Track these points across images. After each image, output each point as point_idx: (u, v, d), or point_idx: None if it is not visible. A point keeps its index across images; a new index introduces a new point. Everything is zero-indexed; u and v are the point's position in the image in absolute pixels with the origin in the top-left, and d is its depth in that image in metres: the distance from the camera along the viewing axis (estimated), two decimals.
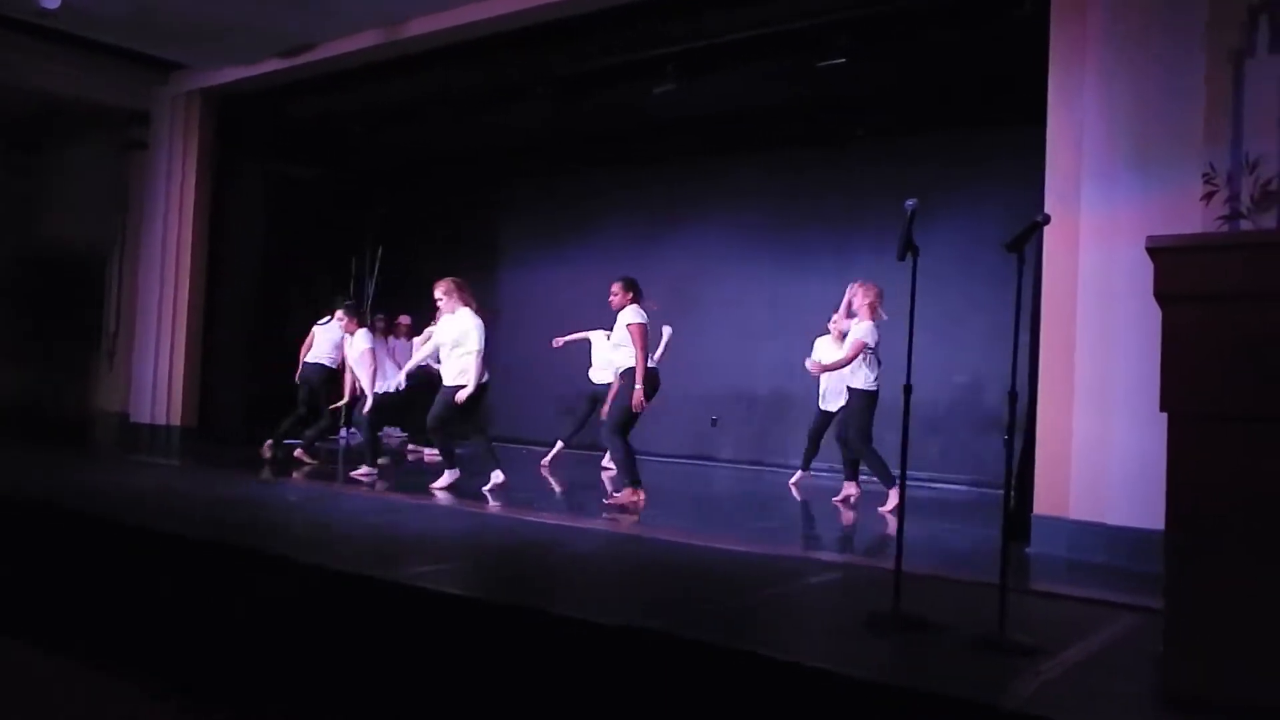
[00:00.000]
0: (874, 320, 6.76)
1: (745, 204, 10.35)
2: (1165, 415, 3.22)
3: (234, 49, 9.37)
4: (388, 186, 12.44)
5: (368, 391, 8.03)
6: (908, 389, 3.67)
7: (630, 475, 6.43)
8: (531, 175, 11.81)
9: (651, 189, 10.94)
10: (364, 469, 7.80)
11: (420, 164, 12.13)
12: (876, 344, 6.75)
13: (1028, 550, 5.22)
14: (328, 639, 4.06)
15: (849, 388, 6.84)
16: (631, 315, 6.57)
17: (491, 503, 6.64)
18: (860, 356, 6.68)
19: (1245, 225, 4.41)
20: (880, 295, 6.82)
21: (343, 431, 10.13)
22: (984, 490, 8.30)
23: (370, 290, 11.92)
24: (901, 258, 3.60)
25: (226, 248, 10.43)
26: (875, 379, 6.77)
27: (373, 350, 8.17)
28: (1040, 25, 5.76)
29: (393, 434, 9.94)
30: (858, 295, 6.84)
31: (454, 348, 6.95)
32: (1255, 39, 4.80)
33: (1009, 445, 3.85)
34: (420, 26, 8.50)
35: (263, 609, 4.41)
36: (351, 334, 8.32)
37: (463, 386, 6.82)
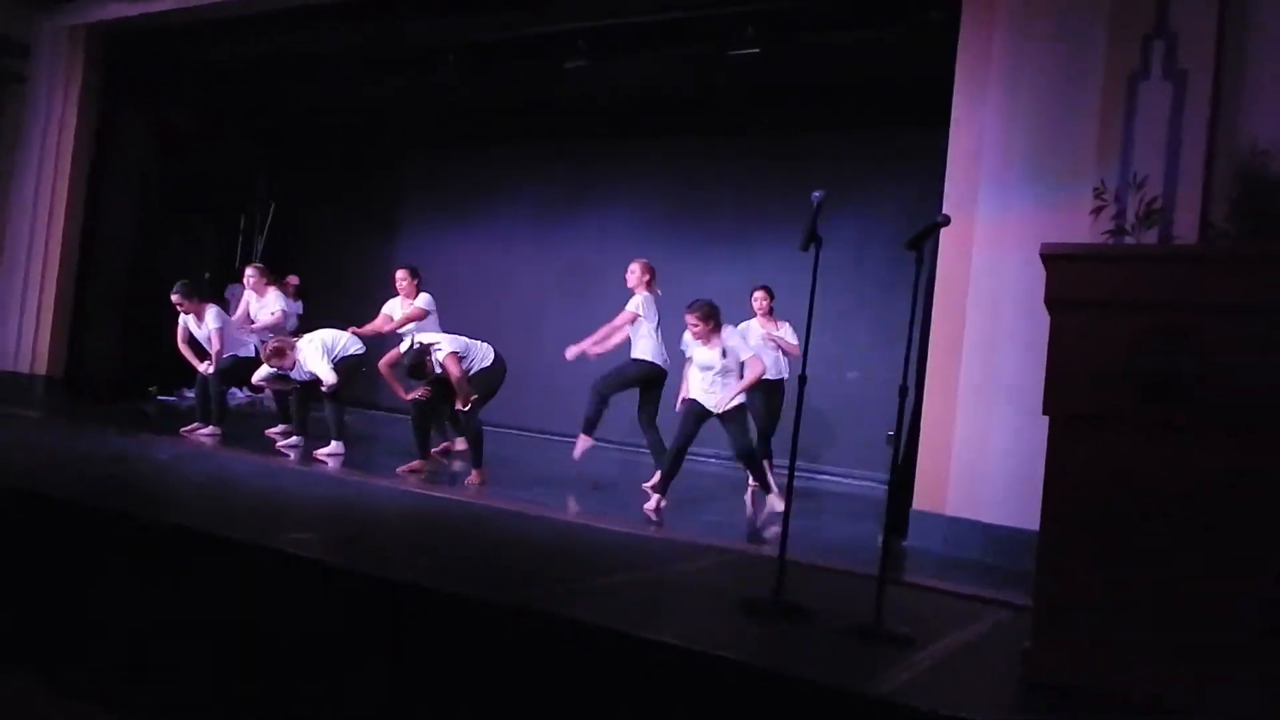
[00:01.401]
0: (650, 293, 6.81)
1: (649, 188, 10.32)
2: (1044, 418, 3.32)
3: None
4: (282, 143, 12.02)
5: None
6: (802, 379, 3.69)
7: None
8: (434, 143, 11.55)
9: (556, 166, 10.82)
10: (211, 429, 7.51)
11: (319, 122, 11.76)
12: (656, 319, 6.80)
13: (905, 544, 5.34)
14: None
15: (631, 358, 6.87)
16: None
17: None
18: (635, 326, 6.73)
19: (1129, 241, 4.56)
20: (652, 271, 6.89)
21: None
22: (867, 483, 8.48)
23: (259, 248, 11.55)
24: (805, 248, 3.62)
25: (106, 194, 9.89)
26: (655, 354, 6.75)
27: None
28: (949, 33, 5.88)
29: (237, 394, 9.55)
30: (634, 272, 6.87)
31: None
32: (1150, 63, 4.99)
33: (895, 440, 3.90)
34: None
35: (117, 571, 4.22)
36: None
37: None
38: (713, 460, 9.02)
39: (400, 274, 7.77)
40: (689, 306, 6.11)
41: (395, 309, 7.80)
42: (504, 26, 8.72)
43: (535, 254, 10.68)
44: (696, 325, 6.06)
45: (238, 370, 7.80)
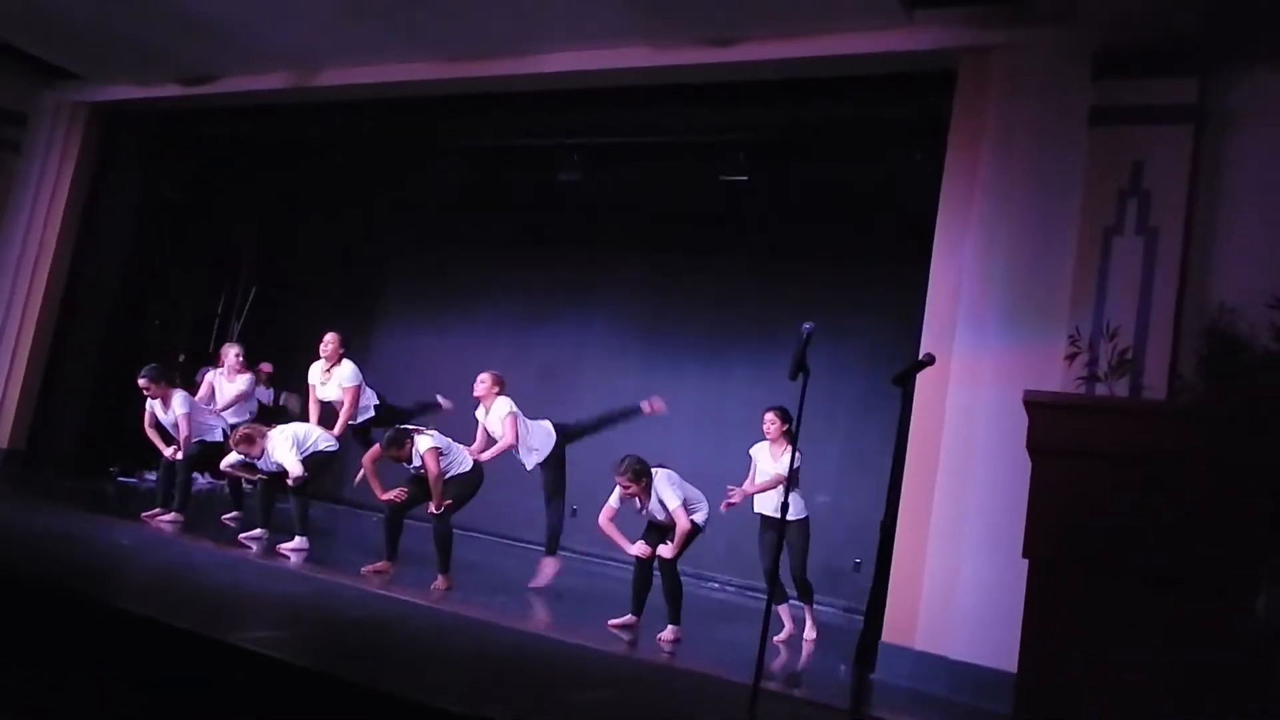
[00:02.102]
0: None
1: (628, 298, 10.44)
2: (1013, 556, 3.36)
3: (134, 67, 9.06)
4: (267, 229, 12.11)
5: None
6: (784, 506, 3.72)
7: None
8: (419, 240, 11.68)
9: (538, 271, 10.93)
10: (173, 515, 7.38)
11: (306, 211, 11.89)
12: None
13: (872, 676, 5.30)
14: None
15: None
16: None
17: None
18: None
19: (1101, 388, 4.71)
20: (501, 382, 7.22)
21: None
22: (830, 609, 8.41)
23: (235, 331, 11.50)
24: (794, 377, 3.69)
25: (89, 269, 9.88)
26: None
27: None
28: (931, 173, 6.12)
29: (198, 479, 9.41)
30: (485, 382, 7.15)
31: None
32: (1124, 219, 5.22)
33: (877, 574, 3.91)
34: (331, 78, 8.42)
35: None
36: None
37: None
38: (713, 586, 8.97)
39: (330, 337, 7.71)
40: (617, 468, 5.86)
41: (316, 376, 7.69)
42: (499, 133, 8.98)
43: (513, 356, 10.70)
44: (629, 487, 5.81)
45: (205, 456, 7.70)
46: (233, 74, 8.83)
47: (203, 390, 8.26)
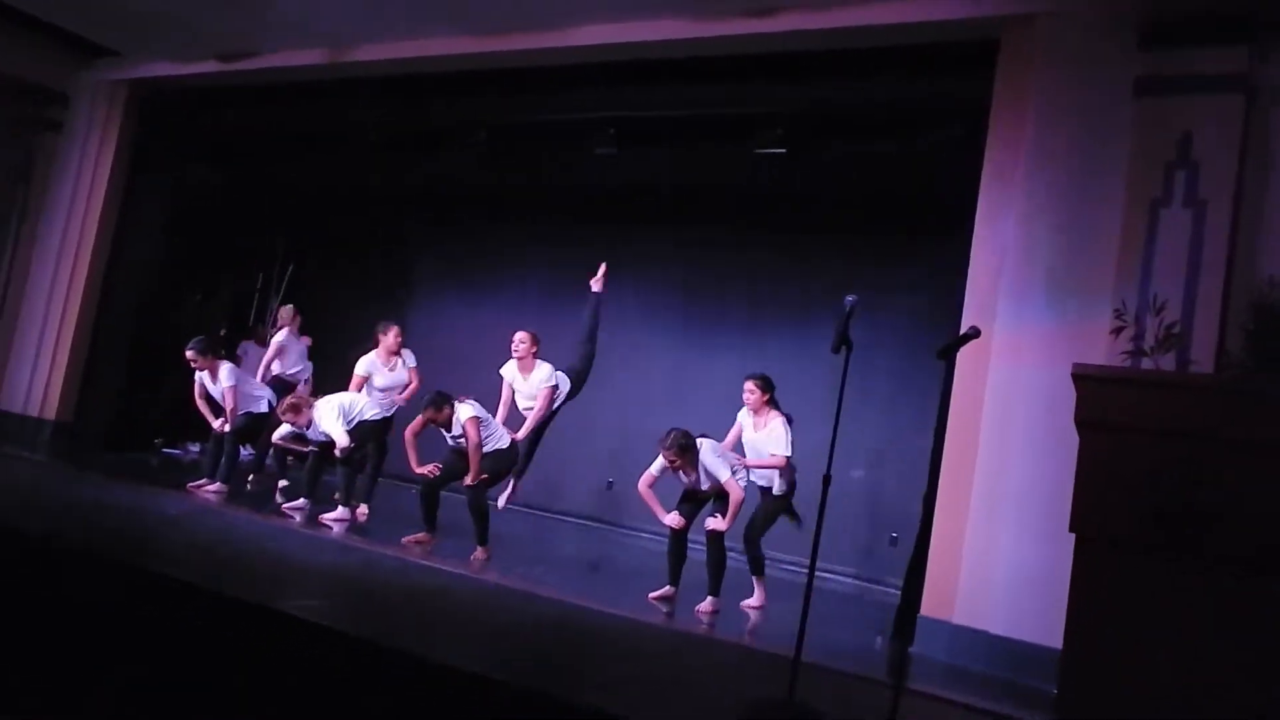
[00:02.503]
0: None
1: (660, 274, 10.42)
2: (1052, 531, 3.34)
3: (172, 44, 9.12)
4: (305, 206, 12.19)
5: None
6: (827, 479, 3.72)
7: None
8: (448, 217, 11.70)
9: (568, 247, 10.91)
10: (218, 485, 7.53)
11: (342, 189, 11.94)
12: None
13: (910, 650, 5.30)
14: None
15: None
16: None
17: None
18: None
19: (1147, 363, 4.65)
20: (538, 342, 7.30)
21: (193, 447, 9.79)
22: (866, 584, 8.41)
23: (274, 308, 11.62)
24: (836, 350, 3.69)
25: (129, 244, 9.99)
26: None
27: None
28: (972, 147, 6.05)
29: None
30: (525, 342, 7.24)
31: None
32: (1171, 191, 5.13)
33: (917, 547, 3.91)
34: (367, 53, 8.43)
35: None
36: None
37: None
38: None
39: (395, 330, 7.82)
40: (662, 442, 5.92)
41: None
42: (533, 110, 8.95)
43: (545, 334, 10.69)
44: (674, 461, 5.88)
45: (251, 428, 7.82)
46: (268, 50, 8.86)
47: (270, 352, 8.43)
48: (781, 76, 7.30)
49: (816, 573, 8.38)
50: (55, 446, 9.12)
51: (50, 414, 9.47)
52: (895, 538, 8.19)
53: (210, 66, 9.26)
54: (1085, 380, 3.15)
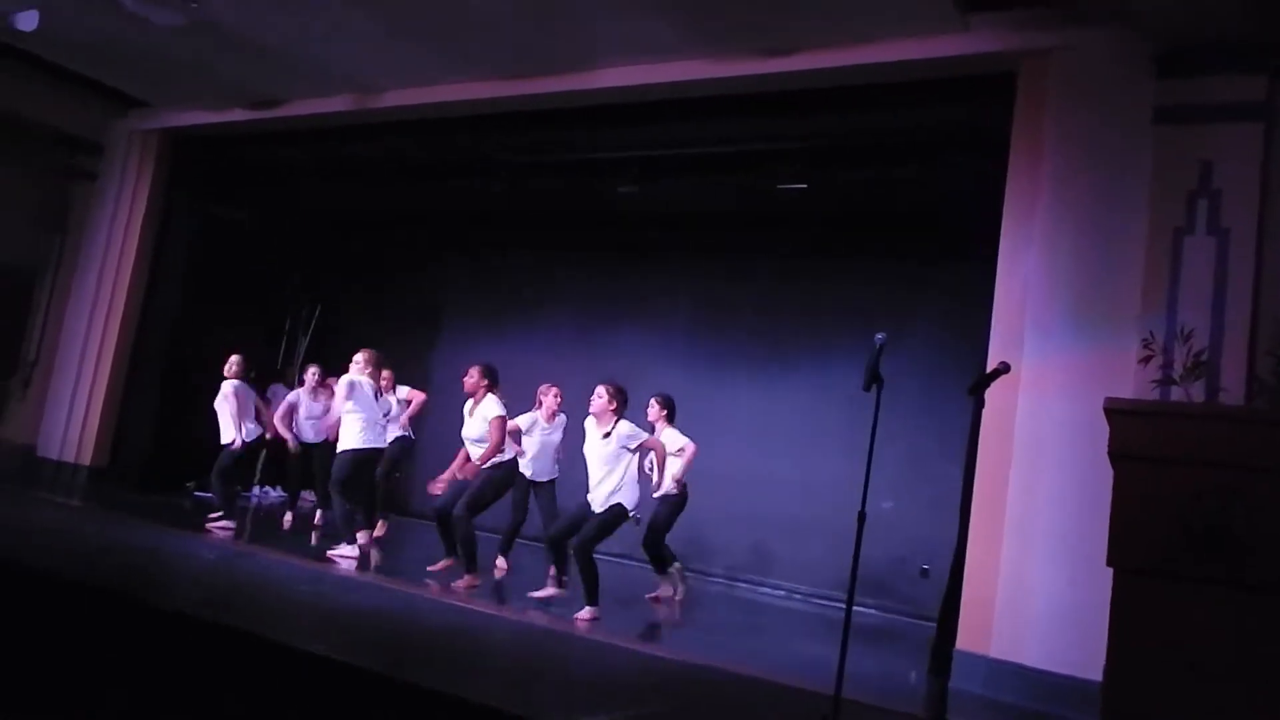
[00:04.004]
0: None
1: (681, 304, 10.50)
2: (1087, 563, 3.34)
3: (202, 94, 9.34)
4: (332, 245, 12.36)
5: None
6: (861, 516, 3.75)
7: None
8: (477, 253, 11.85)
9: (597, 280, 11.05)
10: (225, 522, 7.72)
11: (369, 227, 12.12)
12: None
13: (948, 684, 5.29)
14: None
15: None
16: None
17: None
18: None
19: (1176, 391, 4.66)
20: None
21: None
22: (891, 616, 8.37)
23: (302, 348, 11.76)
24: (867, 388, 3.72)
25: (161, 290, 10.19)
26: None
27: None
28: (993, 178, 6.10)
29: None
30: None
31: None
32: (1194, 219, 5.16)
33: (951, 582, 3.92)
34: (391, 99, 8.59)
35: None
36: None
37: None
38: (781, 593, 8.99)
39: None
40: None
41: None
42: (556, 149, 9.07)
43: (569, 368, 10.73)
44: (611, 404, 6.19)
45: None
46: (295, 98, 9.06)
47: (281, 409, 8.53)
48: (800, 112, 7.39)
49: (838, 604, 8.40)
50: (91, 491, 9.23)
51: (86, 459, 9.63)
52: (926, 570, 8.17)
53: (239, 115, 9.45)
54: (1118, 415, 3.18)
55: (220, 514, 7.78)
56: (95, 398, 9.75)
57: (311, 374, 8.85)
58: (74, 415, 9.78)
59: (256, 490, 10.48)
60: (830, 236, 9.48)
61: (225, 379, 8.20)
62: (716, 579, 9.16)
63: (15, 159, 10.09)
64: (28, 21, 7.72)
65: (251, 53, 8.05)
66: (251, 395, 8.36)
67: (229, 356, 8.38)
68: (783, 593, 8.94)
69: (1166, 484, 3.06)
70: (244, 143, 10.21)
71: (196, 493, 9.92)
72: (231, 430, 8.02)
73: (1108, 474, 3.86)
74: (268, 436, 8.42)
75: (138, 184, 10.11)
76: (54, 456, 9.77)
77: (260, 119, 9.40)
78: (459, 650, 4.78)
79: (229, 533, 7.53)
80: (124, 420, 9.89)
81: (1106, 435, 3.46)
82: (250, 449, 8.29)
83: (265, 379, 10.99)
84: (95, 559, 5.81)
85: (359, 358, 7.31)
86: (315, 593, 5.74)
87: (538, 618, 5.89)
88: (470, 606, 5.87)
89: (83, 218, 10.31)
